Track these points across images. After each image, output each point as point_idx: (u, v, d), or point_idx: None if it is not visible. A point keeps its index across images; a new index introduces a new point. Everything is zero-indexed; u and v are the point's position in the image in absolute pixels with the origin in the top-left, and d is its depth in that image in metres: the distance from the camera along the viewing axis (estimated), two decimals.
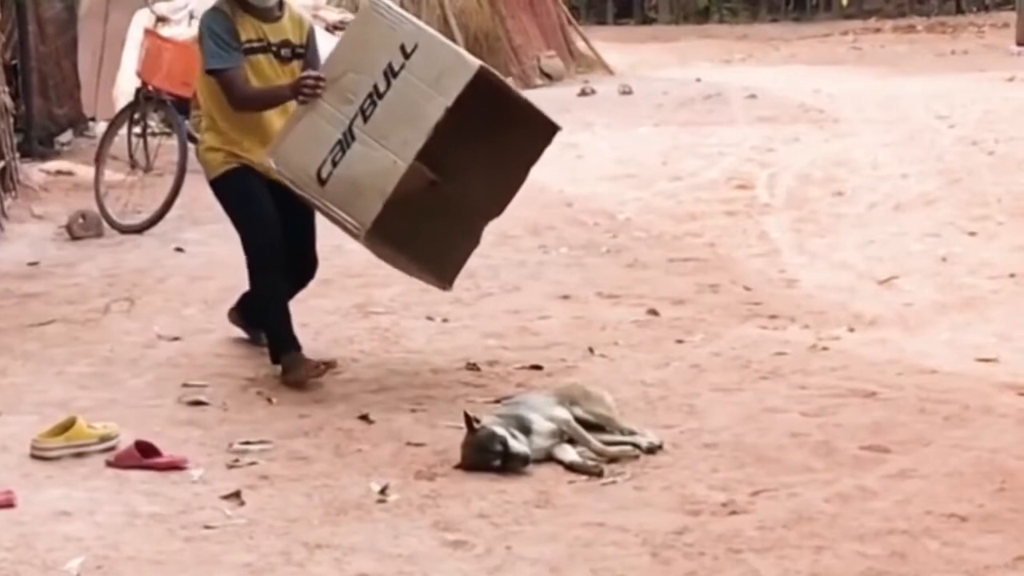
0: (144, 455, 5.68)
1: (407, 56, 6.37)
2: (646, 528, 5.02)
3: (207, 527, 5.08)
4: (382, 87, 6.41)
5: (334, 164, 6.45)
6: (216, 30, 6.84)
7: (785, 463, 5.65)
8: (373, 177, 6.38)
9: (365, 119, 6.42)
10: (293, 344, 6.88)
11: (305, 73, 6.74)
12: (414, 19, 6.62)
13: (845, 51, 22.90)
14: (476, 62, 6.39)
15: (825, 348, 7.25)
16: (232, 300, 7.58)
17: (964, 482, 5.40)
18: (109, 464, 5.68)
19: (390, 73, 6.40)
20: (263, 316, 7.03)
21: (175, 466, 5.65)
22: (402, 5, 17.81)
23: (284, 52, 7.00)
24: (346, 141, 6.44)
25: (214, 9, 6.95)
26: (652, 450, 5.79)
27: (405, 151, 6.35)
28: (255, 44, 6.92)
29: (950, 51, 21.74)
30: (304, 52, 7.05)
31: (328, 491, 5.41)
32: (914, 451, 5.75)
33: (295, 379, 6.73)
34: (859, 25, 26.75)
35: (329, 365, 6.77)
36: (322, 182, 6.47)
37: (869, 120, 14.93)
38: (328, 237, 8.20)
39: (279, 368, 6.87)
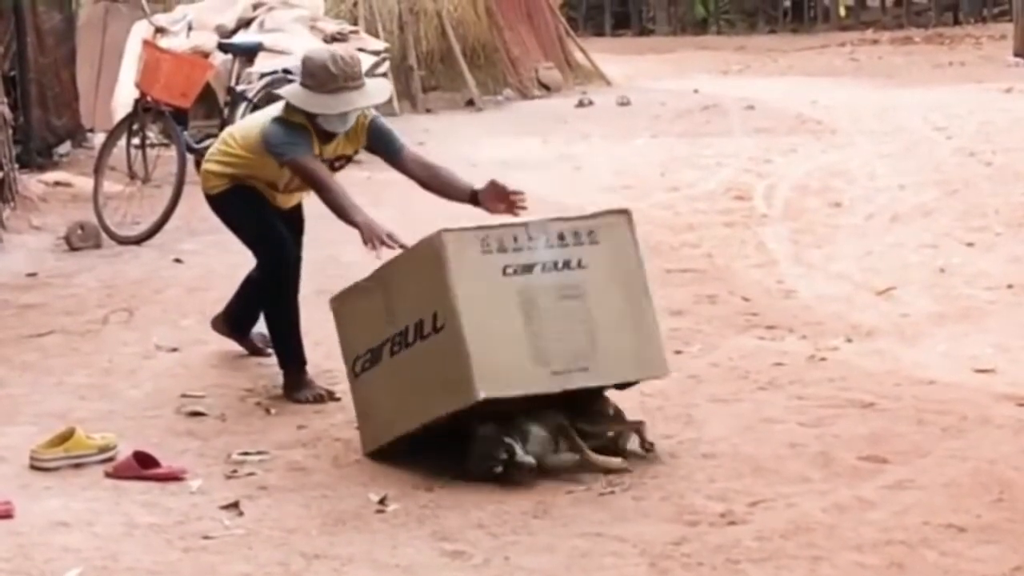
0: (143, 466, 5.68)
1: (435, 330, 5.69)
2: (644, 538, 5.02)
3: (205, 537, 5.08)
4: (409, 337, 5.79)
5: (363, 368, 5.97)
6: (288, 140, 6.55)
7: (783, 473, 5.65)
8: (378, 415, 5.94)
9: (392, 353, 5.84)
10: (301, 358, 6.88)
11: (388, 231, 6.41)
12: (462, 282, 5.69)
13: (842, 62, 22.91)
14: (478, 394, 5.56)
15: (823, 359, 7.25)
16: None
17: (962, 492, 5.40)
18: (108, 475, 5.68)
19: (418, 332, 5.75)
20: (277, 327, 6.99)
21: (173, 477, 5.66)
22: (400, 17, 17.89)
23: (337, 164, 6.90)
24: (375, 357, 5.92)
25: (288, 122, 6.60)
26: (645, 447, 5.79)
27: (389, 428, 5.86)
28: (335, 161, 6.86)
29: (948, 62, 21.75)
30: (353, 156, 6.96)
31: (326, 501, 5.42)
32: (912, 461, 5.75)
33: (295, 399, 6.73)
34: (856, 36, 26.76)
35: (332, 397, 6.73)
36: (355, 375, 6.02)
37: (866, 131, 14.94)
38: (326, 248, 8.22)
39: (277, 378, 6.88)
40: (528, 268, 5.74)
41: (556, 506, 5.35)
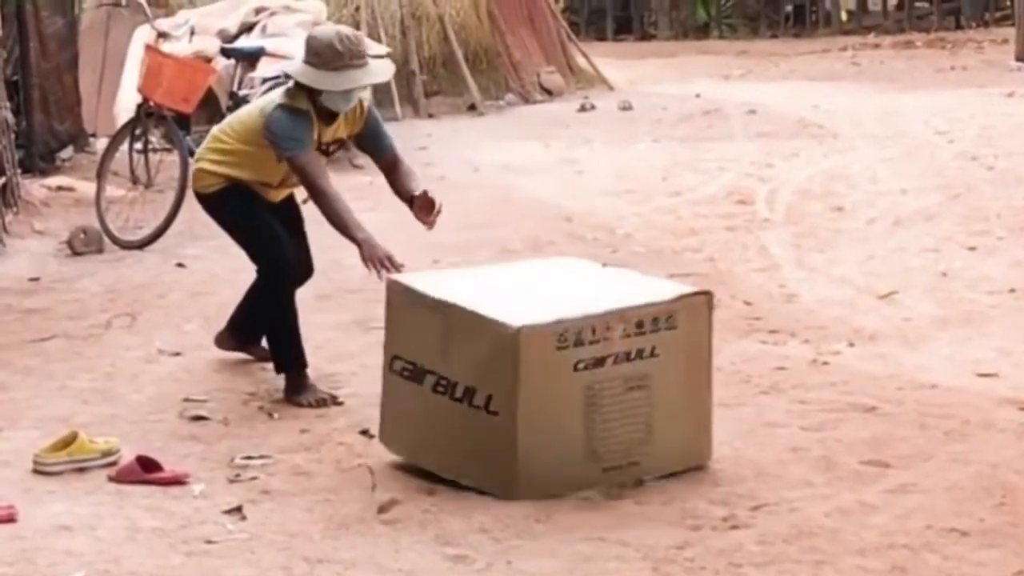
0: (145, 470, 5.69)
1: (487, 410, 5.52)
2: (647, 543, 5.03)
3: (208, 542, 5.09)
4: (458, 394, 5.62)
5: (402, 374, 5.81)
6: (291, 129, 6.58)
7: (785, 478, 5.65)
8: (407, 427, 5.87)
9: (435, 391, 5.69)
10: (301, 361, 6.89)
11: (388, 253, 6.46)
12: (530, 380, 5.47)
13: (844, 67, 22.91)
14: (519, 495, 5.46)
15: (825, 363, 7.26)
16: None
17: (964, 497, 5.41)
18: (111, 479, 5.69)
19: (469, 397, 5.56)
20: (276, 330, 7.00)
21: (176, 481, 5.66)
22: (402, 21, 17.89)
23: (332, 148, 6.92)
24: (417, 375, 5.75)
25: (293, 109, 6.62)
26: None
27: (414, 451, 5.83)
28: (332, 146, 6.91)
29: (949, 67, 21.74)
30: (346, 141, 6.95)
31: (329, 506, 5.42)
32: (914, 466, 5.76)
33: (297, 403, 6.73)
34: (858, 41, 26.75)
35: (335, 401, 6.74)
36: (391, 371, 5.85)
37: (868, 135, 14.94)
38: (328, 252, 8.22)
39: (280, 382, 6.88)
40: (600, 362, 5.51)
41: (559, 511, 5.35)
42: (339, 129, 6.84)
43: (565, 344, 5.46)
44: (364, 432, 6.22)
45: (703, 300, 5.74)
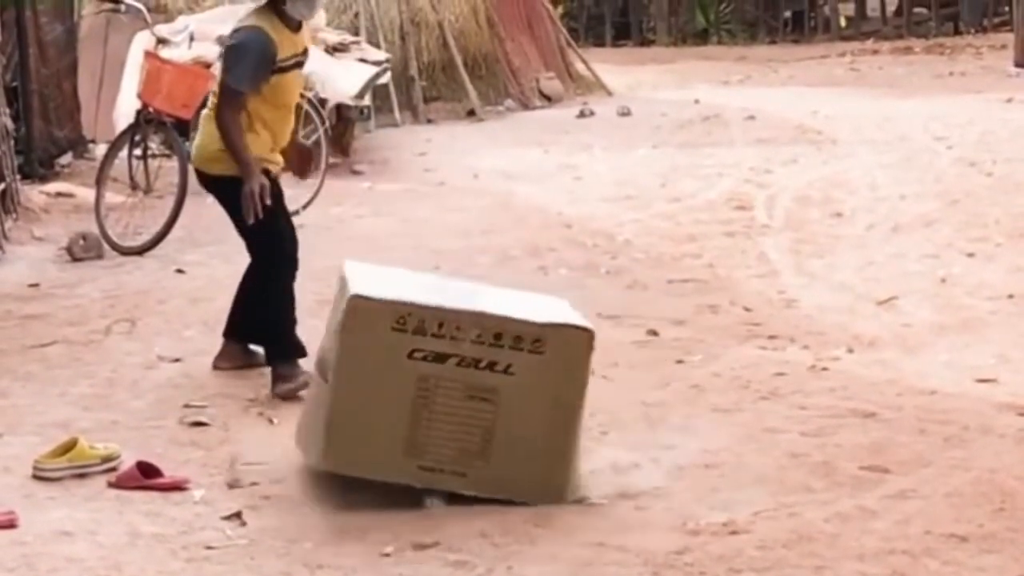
0: (146, 475, 5.70)
1: (326, 381, 5.64)
2: (647, 548, 5.03)
3: (208, 547, 5.10)
4: (319, 376, 5.78)
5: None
6: (256, 52, 6.89)
7: (785, 483, 5.66)
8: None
9: (323, 379, 5.74)
10: (299, 351, 6.95)
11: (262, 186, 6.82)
12: (357, 351, 5.52)
13: (843, 72, 22.91)
14: (320, 464, 5.58)
15: (824, 369, 7.26)
16: None
17: (964, 502, 5.41)
18: (111, 485, 5.70)
19: (323, 375, 5.71)
20: (275, 319, 7.05)
21: (176, 486, 5.67)
22: (401, 27, 17.90)
23: (296, 62, 7.16)
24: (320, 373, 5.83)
25: (257, 29, 6.93)
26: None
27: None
28: (291, 60, 7.08)
29: (948, 72, 21.74)
30: None
31: (329, 511, 5.42)
32: (914, 471, 5.76)
33: (284, 391, 6.77)
34: (857, 46, 26.74)
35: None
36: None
37: (867, 141, 14.95)
38: (325, 258, 8.24)
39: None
40: (442, 358, 5.41)
41: (558, 516, 5.36)
42: (304, 40, 7.16)
43: (403, 327, 5.39)
44: None
45: (581, 336, 5.45)
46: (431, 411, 5.43)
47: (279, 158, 7.20)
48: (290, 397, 6.74)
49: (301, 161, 7.53)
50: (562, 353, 5.41)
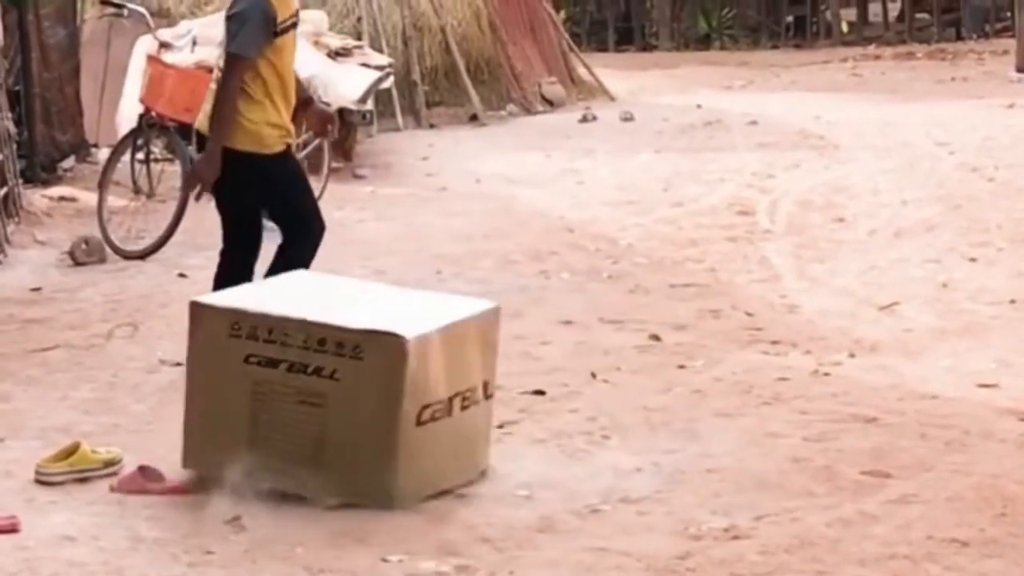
0: (147, 480, 5.70)
1: None
2: (648, 553, 5.04)
3: (209, 552, 5.09)
4: None
5: None
6: (258, 18, 7.02)
7: (787, 488, 5.66)
8: None
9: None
10: None
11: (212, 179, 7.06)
12: (203, 357, 5.81)
13: (845, 78, 22.92)
14: (183, 464, 5.78)
15: (826, 374, 7.27)
16: None
17: (965, 507, 5.41)
18: (112, 489, 5.69)
19: None
20: None
21: (178, 491, 5.67)
22: (404, 32, 17.91)
23: (290, 24, 7.24)
24: None
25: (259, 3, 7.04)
26: None
27: None
28: (291, 20, 7.20)
29: (950, 78, 21.76)
30: None
31: (331, 515, 5.42)
32: (915, 476, 5.76)
33: None
34: (859, 52, 26.76)
35: None
36: None
37: (869, 146, 14.96)
38: (327, 262, 8.22)
39: None
40: (273, 363, 5.53)
41: (561, 520, 5.36)
42: (293, 3, 7.25)
43: (238, 333, 5.57)
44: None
45: (395, 343, 5.43)
46: (268, 415, 5.56)
47: (292, 128, 7.33)
48: None
49: (322, 123, 7.70)
50: (380, 359, 5.44)
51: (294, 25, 7.28)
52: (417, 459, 5.53)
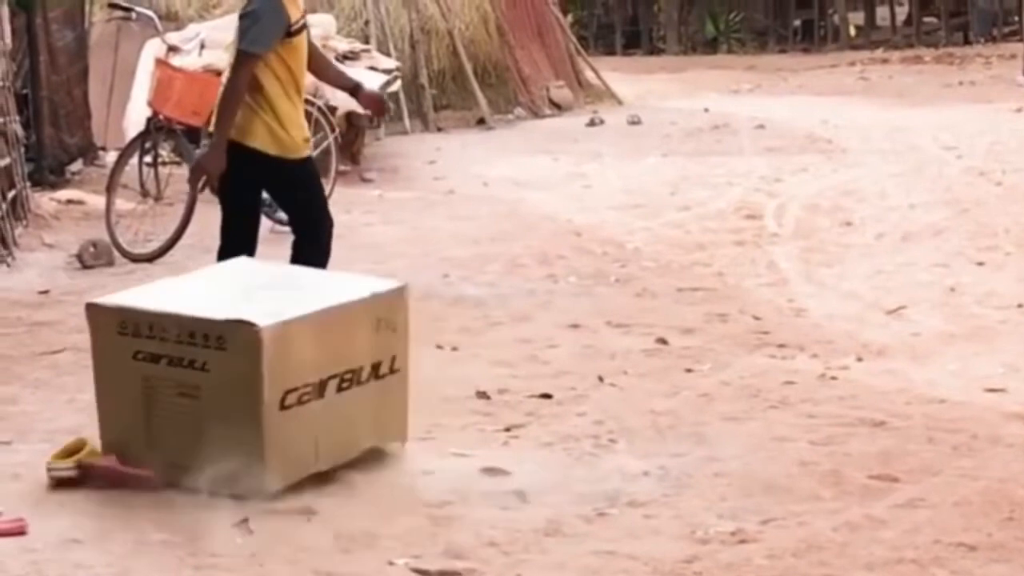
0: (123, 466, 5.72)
1: None
2: (655, 556, 5.03)
3: (215, 555, 5.09)
4: None
5: None
6: (270, 16, 7.14)
7: (794, 492, 5.66)
8: None
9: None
10: None
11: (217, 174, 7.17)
12: (103, 356, 6.04)
13: (853, 82, 22.93)
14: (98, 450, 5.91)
15: (834, 377, 7.26)
16: None
17: (973, 511, 5.41)
18: (79, 465, 5.71)
19: None
20: None
21: (149, 484, 5.63)
22: (411, 35, 17.92)
23: (300, 26, 7.33)
24: None
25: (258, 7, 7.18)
26: None
27: None
28: (300, 23, 7.30)
29: (958, 82, 21.76)
30: None
31: (338, 519, 5.42)
32: (923, 480, 5.76)
33: None
34: (867, 56, 26.77)
35: None
36: None
37: (877, 150, 14.96)
38: (337, 266, 8.23)
39: None
40: (155, 358, 5.72)
41: (567, 524, 5.36)
42: (300, 5, 7.35)
43: (126, 331, 5.80)
44: (373, 448, 6.22)
45: (249, 332, 5.55)
46: (157, 409, 5.76)
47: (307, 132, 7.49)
48: None
49: (376, 104, 7.99)
50: (239, 348, 5.58)
51: (304, 27, 7.34)
52: (285, 442, 5.65)
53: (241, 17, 7.29)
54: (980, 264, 9.73)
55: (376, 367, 5.96)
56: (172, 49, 11.88)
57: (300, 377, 5.67)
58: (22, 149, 11.85)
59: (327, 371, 5.76)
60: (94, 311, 6.00)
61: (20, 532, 5.22)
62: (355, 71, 13.87)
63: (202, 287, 6.19)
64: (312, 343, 5.73)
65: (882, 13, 30.53)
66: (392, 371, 6.03)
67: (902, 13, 30.26)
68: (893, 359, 7.66)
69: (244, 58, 7.16)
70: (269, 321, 5.59)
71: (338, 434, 5.84)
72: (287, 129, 7.19)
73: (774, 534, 5.23)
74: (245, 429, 5.59)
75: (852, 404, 6.80)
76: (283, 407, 5.62)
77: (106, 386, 5.92)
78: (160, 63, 11.59)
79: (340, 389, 5.82)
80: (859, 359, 7.63)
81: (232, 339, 5.59)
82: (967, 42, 28.26)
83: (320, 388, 5.75)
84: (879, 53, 27.22)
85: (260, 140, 7.17)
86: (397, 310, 6.09)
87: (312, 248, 7.33)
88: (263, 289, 6.09)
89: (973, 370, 7.40)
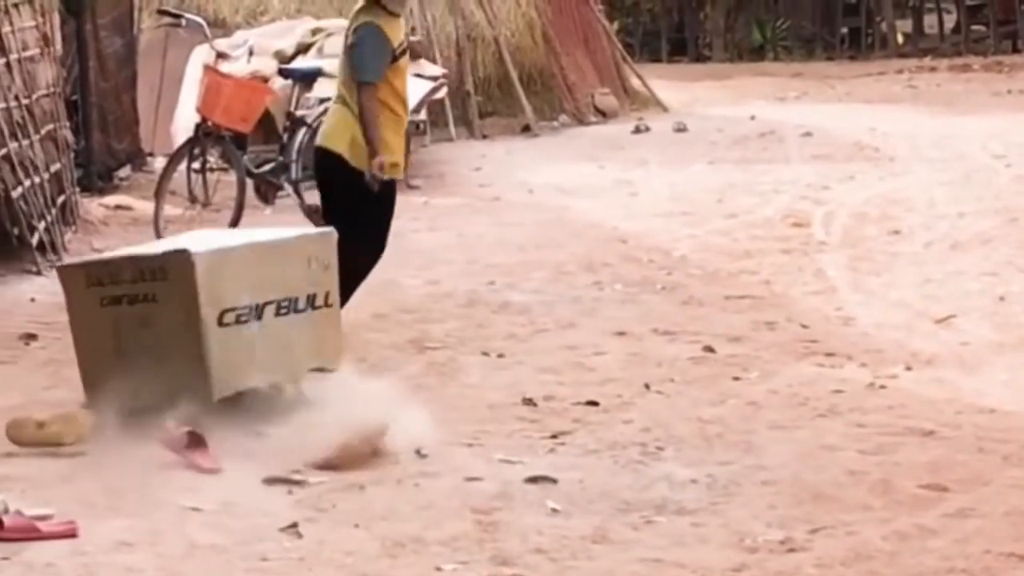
0: (189, 446, 5.96)
1: None
2: (703, 564, 5.02)
3: (265, 559, 5.10)
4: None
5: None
6: (376, 45, 7.73)
7: (843, 501, 5.63)
8: None
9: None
10: None
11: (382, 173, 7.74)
12: (76, 309, 6.75)
13: (901, 89, 22.85)
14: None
15: (882, 386, 7.23)
16: None
17: (1023, 521, 5.37)
18: (160, 441, 6.00)
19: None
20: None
21: (208, 469, 5.88)
22: (457, 42, 17.95)
23: (403, 50, 7.92)
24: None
25: (369, 24, 7.76)
26: None
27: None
28: (402, 46, 7.85)
29: (1006, 90, 21.65)
30: None
31: (386, 523, 5.43)
32: (973, 490, 5.72)
33: None
34: (915, 63, 26.68)
35: None
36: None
37: (925, 159, 14.90)
38: (383, 272, 8.25)
39: None
40: (118, 300, 6.50)
41: (615, 531, 5.35)
42: (402, 29, 7.96)
43: (92, 282, 6.60)
44: (418, 452, 6.23)
45: (183, 259, 6.38)
46: (126, 342, 6.51)
47: (402, 155, 8.06)
48: None
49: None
50: (179, 275, 6.40)
51: (405, 51, 7.88)
52: (225, 355, 6.44)
53: (349, 49, 7.80)
54: None
55: (311, 298, 6.75)
56: (221, 56, 11.95)
57: (236, 299, 6.48)
58: (71, 155, 11.92)
59: (264, 297, 6.57)
60: (64, 272, 6.92)
61: (71, 534, 5.25)
62: None
63: (155, 244, 7.24)
64: (245, 271, 6.58)
65: (930, 21, 30.43)
66: (327, 304, 6.82)
67: (950, 21, 30.15)
68: (942, 368, 7.62)
69: (366, 88, 7.74)
70: (202, 250, 6.48)
71: (277, 353, 6.59)
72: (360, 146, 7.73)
73: (823, 543, 5.20)
74: (190, 344, 6.38)
75: (901, 413, 6.77)
76: (221, 323, 6.42)
77: (82, 336, 6.65)
78: (209, 69, 11.66)
79: (278, 314, 6.62)
80: (908, 368, 7.59)
81: (171, 268, 6.42)
82: (1016, 50, 28.12)
83: (258, 311, 6.56)
84: (927, 61, 27.13)
85: (344, 148, 7.77)
86: (328, 251, 6.87)
87: (363, 260, 7.70)
88: (208, 238, 7.03)
89: (1023, 379, 7.35)
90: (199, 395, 6.27)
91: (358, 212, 7.77)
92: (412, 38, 8.19)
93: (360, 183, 7.72)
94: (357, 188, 7.73)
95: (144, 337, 6.44)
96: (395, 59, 7.78)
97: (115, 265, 6.65)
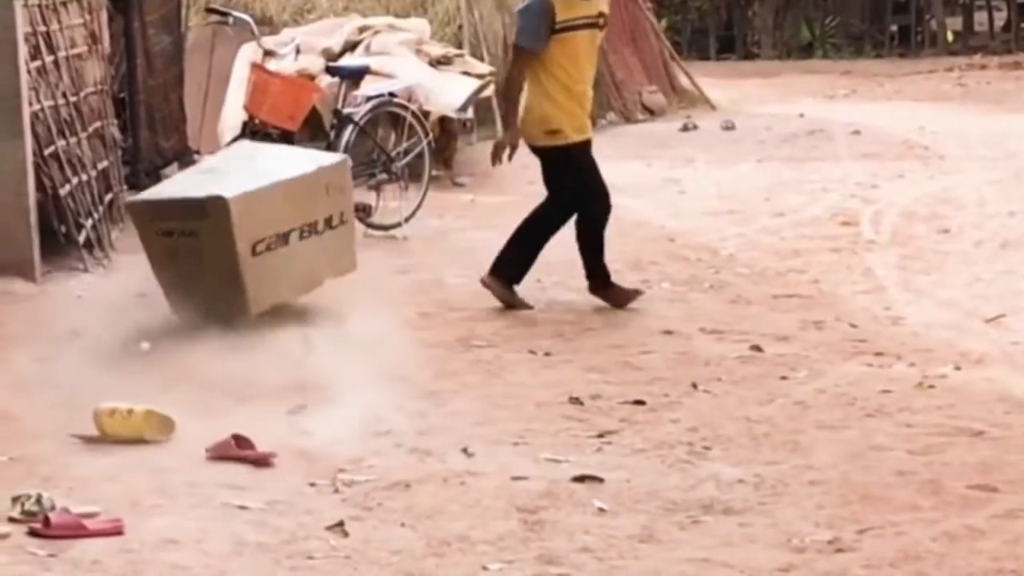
0: (238, 447, 6.06)
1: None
2: (751, 565, 4.99)
3: (311, 557, 5.11)
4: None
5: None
6: (536, 12, 8.29)
7: (892, 501, 5.59)
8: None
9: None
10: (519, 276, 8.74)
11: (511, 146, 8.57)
12: (146, 236, 8.03)
13: (950, 88, 22.72)
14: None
15: (931, 386, 7.18)
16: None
17: None
18: (207, 450, 6.10)
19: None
20: (529, 244, 8.82)
21: (262, 460, 6.02)
22: (505, 40, 17.90)
23: (601, 22, 8.55)
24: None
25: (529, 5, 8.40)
26: None
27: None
28: (579, 21, 8.35)
29: None
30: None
31: (432, 522, 5.42)
32: (1023, 491, 5.67)
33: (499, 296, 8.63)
34: (964, 62, 26.52)
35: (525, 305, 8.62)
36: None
37: (975, 157, 14.79)
38: (429, 271, 8.25)
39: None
40: (169, 233, 7.74)
41: (662, 530, 5.33)
42: (595, 6, 8.51)
43: (151, 216, 7.90)
44: (465, 451, 6.22)
45: (220, 203, 7.49)
46: (180, 267, 7.67)
47: (589, 125, 8.68)
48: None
49: None
50: (217, 215, 7.52)
51: (588, 26, 8.40)
52: (260, 278, 7.58)
53: (517, 12, 8.48)
54: None
55: (328, 220, 7.86)
56: (268, 53, 11.98)
57: (265, 231, 7.60)
58: (119, 153, 11.96)
59: (288, 225, 7.69)
60: (130, 207, 8.45)
61: (118, 532, 5.27)
62: (448, 76, 13.92)
63: (200, 176, 8.16)
64: (273, 207, 7.64)
65: (980, 19, 30.25)
66: (342, 222, 7.94)
67: (1000, 19, 29.96)
68: (992, 368, 7.56)
69: (517, 51, 8.50)
70: (235, 193, 7.54)
71: (301, 272, 7.78)
72: (559, 121, 8.43)
73: (872, 544, 5.17)
74: (230, 272, 7.52)
75: (950, 413, 6.72)
76: (255, 253, 7.56)
77: (154, 259, 7.85)
78: (256, 67, 11.67)
79: (301, 238, 7.74)
80: (957, 368, 7.53)
81: (211, 210, 7.53)
82: None
83: (284, 238, 7.69)
84: (977, 59, 26.96)
85: (538, 139, 8.54)
86: (341, 177, 8.05)
87: (589, 221, 8.84)
88: (242, 166, 8.04)
89: None
90: (240, 312, 7.47)
91: (562, 178, 8.59)
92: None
93: (565, 154, 8.49)
94: (564, 160, 8.50)
95: (193, 264, 7.58)
96: (561, 30, 8.23)
97: (166, 204, 7.84)
